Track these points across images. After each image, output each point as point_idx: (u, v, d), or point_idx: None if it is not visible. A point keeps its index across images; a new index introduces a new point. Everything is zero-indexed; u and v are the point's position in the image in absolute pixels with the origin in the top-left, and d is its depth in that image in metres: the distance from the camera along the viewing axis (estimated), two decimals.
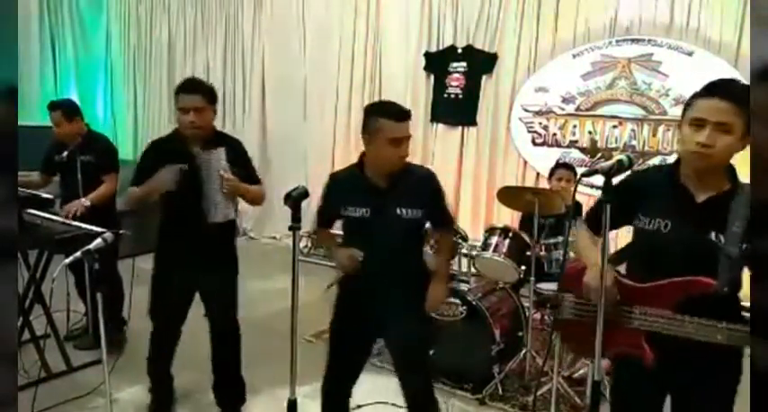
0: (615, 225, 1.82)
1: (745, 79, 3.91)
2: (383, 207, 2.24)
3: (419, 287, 2.36)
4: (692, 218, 1.71)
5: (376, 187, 2.27)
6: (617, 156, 1.75)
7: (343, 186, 2.36)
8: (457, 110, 5.51)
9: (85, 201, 3.44)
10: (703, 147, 1.62)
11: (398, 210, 2.24)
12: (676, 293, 1.71)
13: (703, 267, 1.66)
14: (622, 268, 1.95)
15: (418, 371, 2.41)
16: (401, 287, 2.30)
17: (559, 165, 3.87)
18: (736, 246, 1.63)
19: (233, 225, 2.85)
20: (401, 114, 2.21)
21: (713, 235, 1.68)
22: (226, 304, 2.85)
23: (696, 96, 1.68)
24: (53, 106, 3.63)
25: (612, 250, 2.80)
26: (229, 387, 2.99)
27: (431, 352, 3.31)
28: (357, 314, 2.36)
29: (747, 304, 1.73)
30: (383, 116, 2.18)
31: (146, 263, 2.89)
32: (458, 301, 3.31)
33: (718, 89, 1.63)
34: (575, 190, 1.97)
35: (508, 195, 3.62)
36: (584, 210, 4.31)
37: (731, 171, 1.72)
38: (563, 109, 5.01)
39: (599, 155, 4.86)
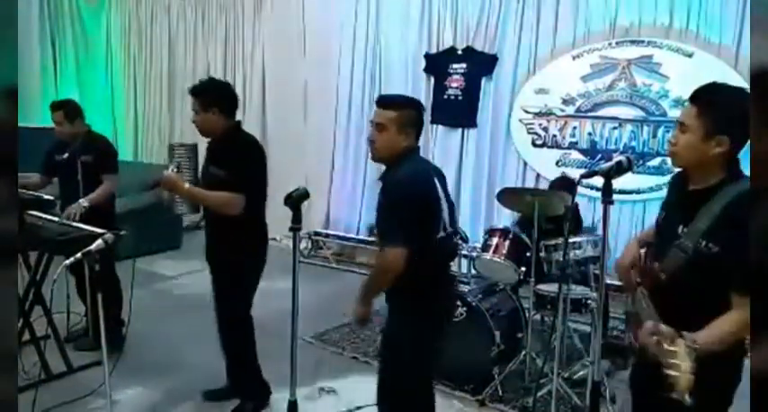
0: None
1: (745, 81, 3.95)
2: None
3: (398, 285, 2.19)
4: (676, 209, 1.78)
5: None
6: (617, 158, 1.76)
7: None
8: (457, 111, 5.51)
9: (84, 203, 3.44)
10: (670, 145, 1.74)
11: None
12: (647, 278, 1.77)
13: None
14: None
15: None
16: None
17: (556, 184, 3.88)
18: (692, 242, 1.63)
19: (236, 222, 2.76)
20: (377, 99, 2.30)
21: (681, 228, 1.69)
22: (224, 305, 2.95)
23: None
24: (56, 106, 3.65)
25: None
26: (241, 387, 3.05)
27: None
28: None
29: None
30: None
31: (146, 263, 2.90)
32: (458, 303, 3.30)
33: (693, 93, 1.72)
34: (574, 193, 1.98)
35: (508, 197, 3.63)
36: (582, 211, 4.36)
37: (731, 169, 1.70)
38: (563, 110, 5.01)
39: (599, 156, 4.86)
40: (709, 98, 1.67)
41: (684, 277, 1.64)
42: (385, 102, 2.24)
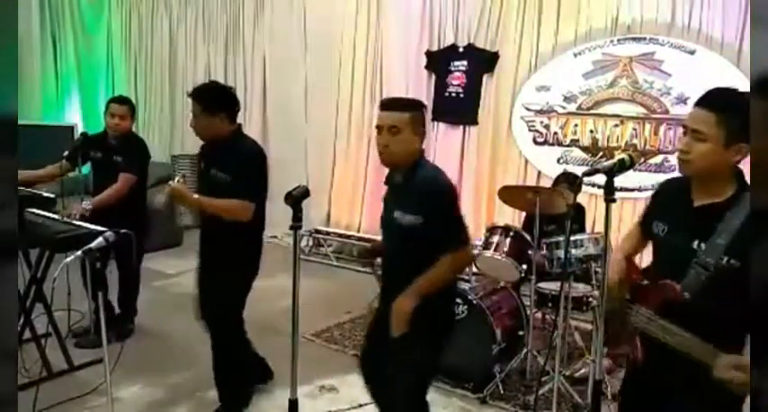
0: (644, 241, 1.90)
1: (746, 77, 3.93)
2: (390, 207, 2.23)
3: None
4: (683, 223, 1.72)
5: (392, 182, 2.29)
6: (618, 156, 1.75)
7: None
8: (458, 109, 5.51)
9: (87, 205, 3.44)
10: (682, 154, 1.66)
11: (395, 213, 2.16)
12: (654, 295, 1.72)
13: (683, 274, 1.66)
14: None
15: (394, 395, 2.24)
16: (399, 291, 2.12)
17: (560, 178, 3.89)
18: (714, 258, 1.61)
19: (234, 230, 2.72)
20: (384, 103, 2.25)
21: (696, 243, 1.66)
22: (212, 305, 2.89)
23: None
24: (122, 100, 3.75)
25: None
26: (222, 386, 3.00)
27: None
28: (377, 315, 2.37)
29: None
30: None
31: (146, 261, 2.90)
32: (459, 301, 3.30)
33: (703, 98, 1.66)
34: (576, 191, 1.96)
35: (510, 194, 3.62)
36: (585, 209, 4.36)
37: (740, 179, 1.68)
38: (564, 108, 5.00)
39: (600, 154, 4.85)
40: (726, 104, 1.62)
41: (709, 294, 1.61)
42: (397, 104, 2.23)
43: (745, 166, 1.60)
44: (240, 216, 2.68)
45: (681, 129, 1.73)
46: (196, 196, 2.68)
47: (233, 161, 2.72)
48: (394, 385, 2.18)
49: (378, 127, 2.18)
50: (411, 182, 2.18)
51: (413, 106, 2.23)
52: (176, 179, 2.67)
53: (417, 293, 2.07)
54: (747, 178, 1.65)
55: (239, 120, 2.91)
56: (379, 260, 2.28)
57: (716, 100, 1.64)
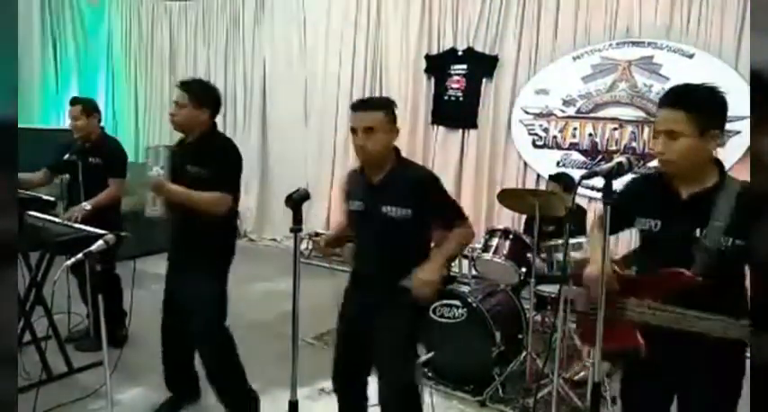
0: (616, 228, 1.88)
1: (745, 80, 3.94)
2: (373, 203, 2.28)
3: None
4: (677, 215, 1.77)
5: (369, 183, 2.32)
6: (617, 159, 1.76)
7: (350, 181, 2.46)
8: (457, 112, 5.52)
9: (86, 206, 3.44)
10: (661, 156, 1.73)
11: (383, 208, 2.25)
12: (660, 285, 1.75)
13: (691, 262, 1.71)
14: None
15: (396, 370, 2.33)
16: (388, 283, 2.24)
17: (551, 178, 3.91)
18: (715, 240, 1.68)
19: (209, 224, 2.68)
20: (356, 105, 2.29)
21: (697, 231, 1.73)
22: (203, 309, 2.76)
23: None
24: (75, 101, 3.73)
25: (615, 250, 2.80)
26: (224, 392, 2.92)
27: (427, 354, 3.32)
28: (352, 310, 2.41)
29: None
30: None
31: (146, 264, 2.90)
32: (458, 303, 3.31)
33: (665, 99, 1.74)
34: (574, 193, 1.96)
35: (509, 197, 3.63)
36: (587, 213, 4.36)
37: (719, 165, 1.78)
38: (563, 111, 5.01)
39: (599, 157, 4.86)
40: (692, 98, 1.70)
41: (716, 275, 1.68)
42: (369, 104, 2.29)
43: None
44: (217, 209, 2.64)
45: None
46: (174, 187, 2.62)
47: (211, 156, 2.71)
48: (404, 359, 2.33)
49: (353, 128, 2.23)
50: (400, 179, 2.27)
51: (384, 105, 2.29)
52: (155, 170, 2.63)
53: (441, 265, 2.22)
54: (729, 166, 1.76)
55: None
56: (339, 250, 2.35)
57: (679, 97, 1.71)
